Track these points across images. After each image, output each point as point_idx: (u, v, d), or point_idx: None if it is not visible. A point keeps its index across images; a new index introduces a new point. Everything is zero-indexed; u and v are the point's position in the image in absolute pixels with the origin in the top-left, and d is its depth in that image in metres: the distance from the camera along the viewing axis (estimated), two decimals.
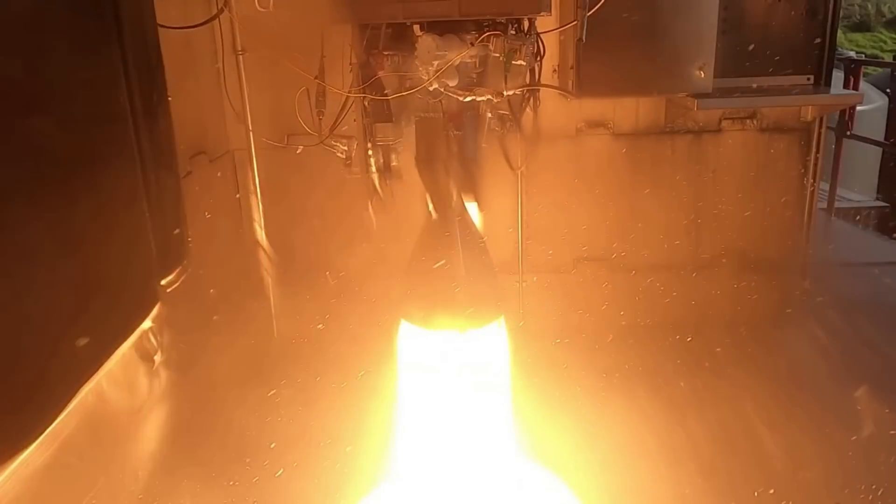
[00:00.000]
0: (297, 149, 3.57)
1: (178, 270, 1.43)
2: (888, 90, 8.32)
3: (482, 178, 4.05)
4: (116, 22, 1.27)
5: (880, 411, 3.27)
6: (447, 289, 2.30)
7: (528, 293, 4.27)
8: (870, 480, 2.87)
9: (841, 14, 3.98)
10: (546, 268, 4.25)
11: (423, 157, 2.37)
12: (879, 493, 2.82)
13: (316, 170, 3.83)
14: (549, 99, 3.66)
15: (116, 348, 1.24)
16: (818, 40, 3.82)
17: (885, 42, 19.64)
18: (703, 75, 3.42)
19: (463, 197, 2.36)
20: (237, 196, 4.09)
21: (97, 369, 1.18)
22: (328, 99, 2.53)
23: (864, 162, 7.62)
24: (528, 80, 2.30)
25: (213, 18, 2.95)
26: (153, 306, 1.32)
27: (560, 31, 3.36)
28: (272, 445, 3.18)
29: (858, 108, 6.50)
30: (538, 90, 2.43)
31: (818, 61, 3.84)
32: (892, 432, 3.11)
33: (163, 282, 1.39)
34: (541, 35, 2.34)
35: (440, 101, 2.19)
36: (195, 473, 2.95)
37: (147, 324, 1.31)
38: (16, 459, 0.98)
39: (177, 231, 1.44)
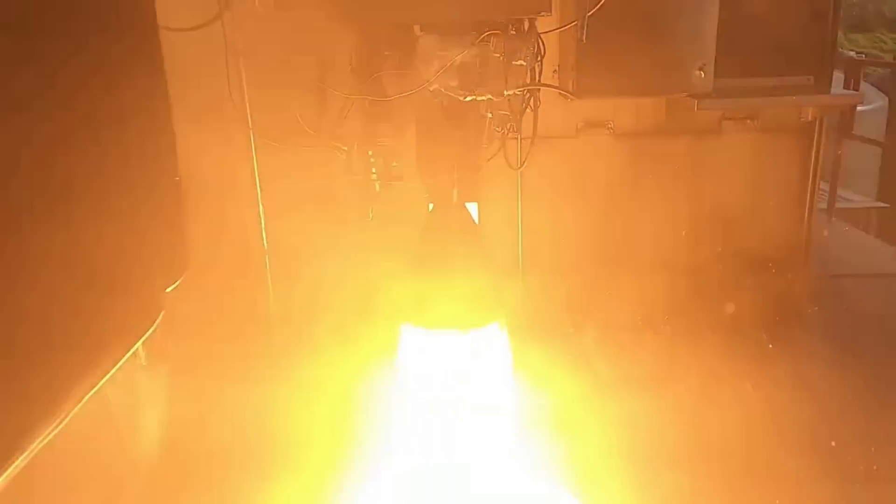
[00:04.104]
0: (298, 150, 3.57)
1: (179, 272, 1.43)
2: None
3: (482, 179, 4.06)
4: (116, 22, 1.27)
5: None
6: (447, 289, 2.30)
7: (528, 293, 4.27)
8: None
9: (841, 14, 3.97)
10: (546, 268, 4.25)
11: (423, 157, 2.37)
12: None
13: (316, 170, 3.82)
14: (549, 99, 3.66)
15: (120, 356, 1.23)
16: (818, 40, 3.81)
17: (885, 42, 19.62)
18: (703, 75, 3.42)
19: (463, 197, 2.35)
20: (237, 197, 4.09)
21: (101, 377, 1.17)
22: (328, 99, 2.52)
23: (864, 162, 7.62)
24: (528, 80, 2.30)
25: (211, 21, 2.95)
26: (156, 311, 1.31)
27: (560, 31, 3.36)
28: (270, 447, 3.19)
29: (859, 108, 6.49)
30: (538, 90, 2.43)
31: (819, 61, 3.84)
32: None
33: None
34: (541, 35, 2.34)
35: (440, 101, 2.18)
36: (194, 474, 2.95)
37: (150, 330, 1.30)
38: (14, 464, 0.98)
39: (178, 235, 1.43)
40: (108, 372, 1.21)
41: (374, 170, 2.38)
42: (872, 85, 8.55)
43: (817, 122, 4.06)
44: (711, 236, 4.25)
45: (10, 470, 0.97)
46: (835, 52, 3.89)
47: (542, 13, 2.10)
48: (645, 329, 4.17)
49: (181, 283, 1.46)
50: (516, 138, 3.24)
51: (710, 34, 3.39)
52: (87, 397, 1.14)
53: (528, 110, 2.47)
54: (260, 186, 4.02)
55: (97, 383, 1.18)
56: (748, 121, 4.08)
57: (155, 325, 1.32)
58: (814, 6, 3.77)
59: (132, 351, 1.28)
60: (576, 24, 2.88)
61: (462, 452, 2.56)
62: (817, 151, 4.10)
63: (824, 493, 2.87)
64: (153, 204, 1.34)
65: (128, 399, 2.72)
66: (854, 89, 5.90)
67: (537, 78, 2.42)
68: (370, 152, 2.35)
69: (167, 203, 1.41)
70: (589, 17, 2.79)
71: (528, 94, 2.42)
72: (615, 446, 3.08)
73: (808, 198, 4.19)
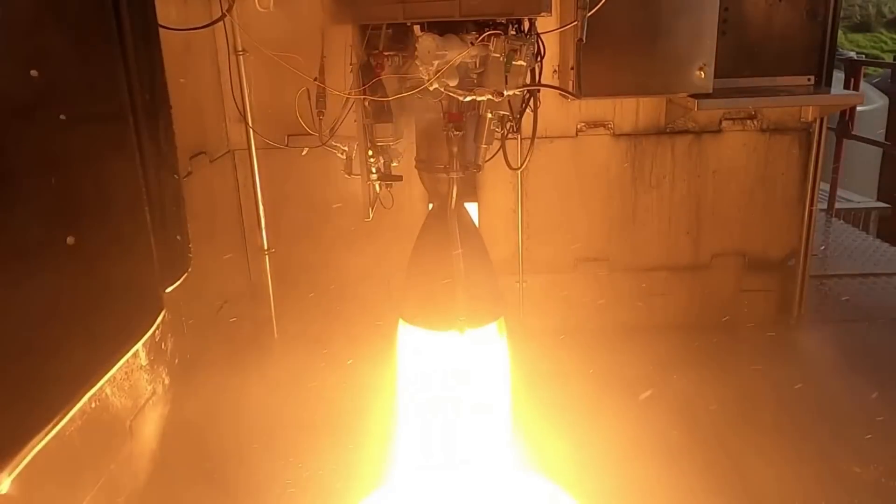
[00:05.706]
0: (298, 150, 3.57)
1: (179, 273, 1.43)
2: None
3: (482, 179, 4.07)
4: (117, 22, 1.27)
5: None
6: (447, 289, 2.30)
7: (528, 293, 4.27)
8: None
9: (841, 14, 3.97)
10: (546, 268, 4.25)
11: (423, 157, 2.37)
12: None
13: (316, 170, 3.83)
14: (550, 99, 3.66)
15: (120, 356, 1.23)
16: (818, 40, 3.82)
17: (885, 42, 19.66)
18: (703, 75, 3.42)
19: (463, 197, 2.35)
20: (237, 196, 4.09)
21: (101, 377, 1.17)
22: (328, 99, 2.52)
23: (864, 163, 7.63)
24: (528, 81, 2.29)
25: (215, 22, 2.95)
26: (157, 311, 1.31)
27: (560, 32, 3.36)
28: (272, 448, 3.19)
29: (859, 108, 6.49)
30: (538, 90, 2.42)
31: (818, 62, 3.84)
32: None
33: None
34: (541, 35, 2.34)
35: (440, 101, 2.18)
36: (195, 476, 2.94)
37: (151, 330, 1.30)
38: (16, 464, 0.98)
39: (178, 235, 1.43)
40: (108, 372, 1.21)
41: (374, 170, 2.37)
42: (872, 85, 8.56)
43: (817, 122, 4.06)
44: (711, 236, 4.25)
45: (11, 469, 0.97)
46: (835, 53, 3.89)
47: (543, 13, 2.10)
48: (643, 328, 4.18)
49: (181, 282, 1.46)
50: (516, 138, 3.24)
51: (711, 34, 3.39)
52: (86, 397, 1.14)
53: (528, 110, 2.46)
54: (260, 186, 4.02)
55: (97, 383, 1.18)
56: (748, 121, 4.08)
57: (155, 326, 1.32)
58: (813, 6, 3.77)
59: (132, 351, 1.28)
60: (576, 25, 2.88)
61: (461, 452, 2.56)
62: (817, 151, 4.10)
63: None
64: (153, 204, 1.34)
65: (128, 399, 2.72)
66: (854, 89, 5.90)
67: (538, 78, 2.41)
68: (370, 152, 2.34)
69: (168, 202, 1.42)
70: (589, 17, 2.79)
71: (528, 95, 2.41)
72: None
73: (808, 198, 4.19)
